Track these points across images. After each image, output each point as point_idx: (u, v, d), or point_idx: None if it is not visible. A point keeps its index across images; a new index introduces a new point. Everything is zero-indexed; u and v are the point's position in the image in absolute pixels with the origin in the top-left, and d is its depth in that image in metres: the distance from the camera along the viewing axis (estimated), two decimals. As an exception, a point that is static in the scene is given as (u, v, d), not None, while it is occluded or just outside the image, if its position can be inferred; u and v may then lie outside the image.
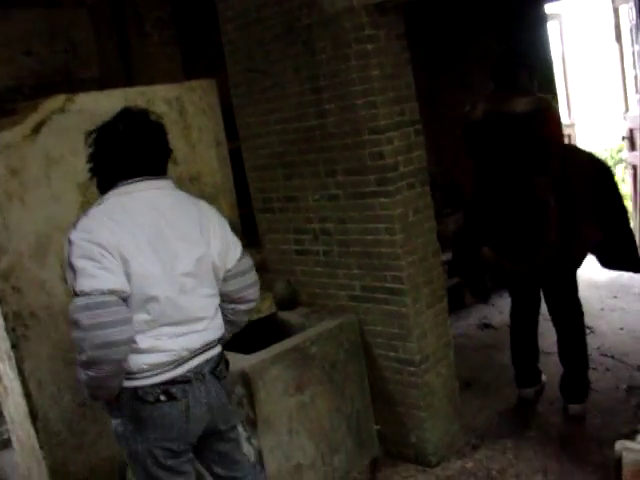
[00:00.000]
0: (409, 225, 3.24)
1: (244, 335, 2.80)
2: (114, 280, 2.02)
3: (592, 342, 4.50)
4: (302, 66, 3.38)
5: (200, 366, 2.24)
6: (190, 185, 3.39)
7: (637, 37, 5.11)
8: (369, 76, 3.11)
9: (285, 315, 3.74)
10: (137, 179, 2.18)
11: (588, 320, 4.71)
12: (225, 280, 2.34)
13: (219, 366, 2.33)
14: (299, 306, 3.76)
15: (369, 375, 3.52)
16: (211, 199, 3.01)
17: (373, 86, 3.11)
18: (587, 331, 4.62)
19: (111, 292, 2.00)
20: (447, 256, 5.17)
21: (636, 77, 5.53)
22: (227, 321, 2.42)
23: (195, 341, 2.23)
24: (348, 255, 3.44)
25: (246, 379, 2.99)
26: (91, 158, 2.23)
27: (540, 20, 5.51)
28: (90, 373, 2.04)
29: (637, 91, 5.60)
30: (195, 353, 2.23)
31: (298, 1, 3.31)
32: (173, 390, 2.16)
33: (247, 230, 3.65)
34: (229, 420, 2.42)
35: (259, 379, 3.03)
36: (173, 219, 2.20)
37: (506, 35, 5.43)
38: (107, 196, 2.19)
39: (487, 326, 5.03)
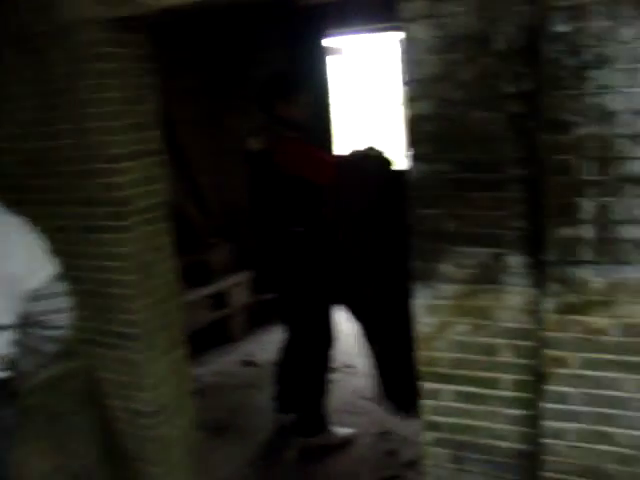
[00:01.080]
0: (145, 264, 2.94)
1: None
2: None
3: (351, 383, 4.47)
4: (36, 79, 2.98)
5: None
6: None
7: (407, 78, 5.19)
8: (105, 98, 2.79)
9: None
10: None
11: (349, 359, 4.70)
12: (27, 300, 2.09)
13: None
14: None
15: (101, 427, 3.17)
16: None
17: (109, 110, 2.79)
18: (347, 370, 4.63)
19: None
20: (215, 288, 5.00)
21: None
22: (28, 348, 2.16)
23: None
24: (80, 294, 3.05)
25: None
26: None
27: (319, 52, 5.49)
28: None
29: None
30: None
31: (30, 4, 2.91)
32: None
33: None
34: None
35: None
36: None
37: (286, 63, 5.34)
38: None
39: (250, 364, 4.85)
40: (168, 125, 3.39)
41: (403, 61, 2.29)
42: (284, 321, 3.81)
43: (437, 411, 2.35)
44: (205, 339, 4.88)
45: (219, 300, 5.00)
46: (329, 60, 5.64)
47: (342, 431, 3.79)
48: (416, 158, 2.25)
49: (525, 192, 2.04)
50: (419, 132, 2.23)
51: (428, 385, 2.34)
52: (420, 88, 2.20)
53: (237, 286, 5.15)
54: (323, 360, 3.69)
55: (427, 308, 2.27)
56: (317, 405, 3.72)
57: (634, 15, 1.80)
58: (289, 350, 3.79)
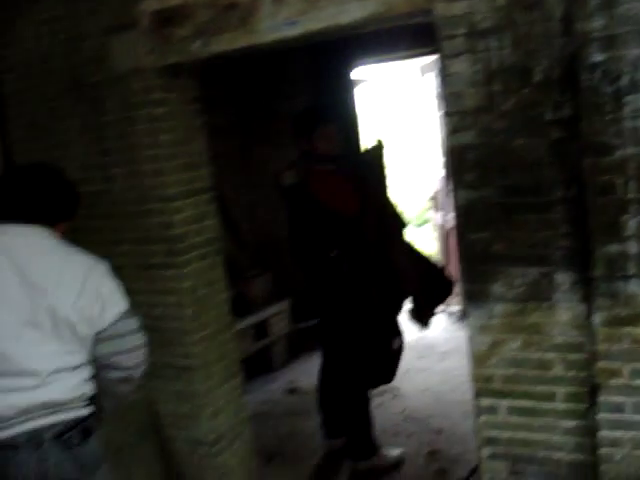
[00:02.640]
0: (200, 298, 3.07)
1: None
2: None
3: (396, 405, 4.54)
4: (89, 126, 3.16)
5: (38, 431, 1.97)
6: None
7: (441, 104, 5.30)
8: (158, 141, 2.95)
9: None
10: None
11: (393, 382, 4.77)
12: (97, 342, 2.10)
13: (69, 432, 2.02)
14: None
15: (162, 458, 3.27)
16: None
17: (162, 152, 2.95)
18: (391, 395, 4.69)
19: None
20: (256, 318, 5.11)
21: (442, 141, 5.77)
22: (102, 390, 2.17)
23: (22, 399, 1.96)
24: (138, 329, 3.20)
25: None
26: None
27: (346, 83, 5.65)
28: None
29: (443, 154, 5.84)
30: (28, 415, 1.96)
31: (86, 56, 3.09)
32: None
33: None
34: None
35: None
36: (25, 265, 2.02)
37: (314, 96, 5.51)
38: None
39: (294, 391, 4.94)
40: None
41: (442, 94, 2.41)
42: (323, 346, 3.90)
43: (494, 426, 2.43)
44: (248, 368, 4.98)
45: (260, 330, 5.12)
46: (356, 90, 5.79)
47: (392, 452, 3.86)
48: (461, 186, 2.36)
49: (570, 212, 2.15)
50: (462, 161, 2.34)
51: (483, 401, 2.43)
52: (462, 120, 2.32)
53: (277, 315, 5.27)
54: (366, 382, 3.76)
55: (480, 328, 2.37)
56: (365, 428, 3.78)
57: (665, 42, 1.92)
58: (328, 375, 3.87)
